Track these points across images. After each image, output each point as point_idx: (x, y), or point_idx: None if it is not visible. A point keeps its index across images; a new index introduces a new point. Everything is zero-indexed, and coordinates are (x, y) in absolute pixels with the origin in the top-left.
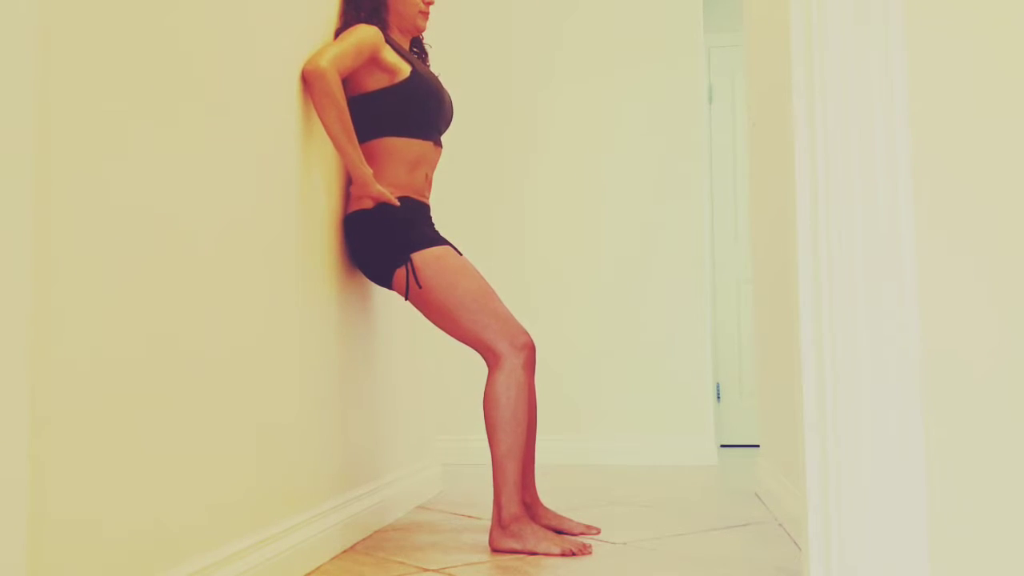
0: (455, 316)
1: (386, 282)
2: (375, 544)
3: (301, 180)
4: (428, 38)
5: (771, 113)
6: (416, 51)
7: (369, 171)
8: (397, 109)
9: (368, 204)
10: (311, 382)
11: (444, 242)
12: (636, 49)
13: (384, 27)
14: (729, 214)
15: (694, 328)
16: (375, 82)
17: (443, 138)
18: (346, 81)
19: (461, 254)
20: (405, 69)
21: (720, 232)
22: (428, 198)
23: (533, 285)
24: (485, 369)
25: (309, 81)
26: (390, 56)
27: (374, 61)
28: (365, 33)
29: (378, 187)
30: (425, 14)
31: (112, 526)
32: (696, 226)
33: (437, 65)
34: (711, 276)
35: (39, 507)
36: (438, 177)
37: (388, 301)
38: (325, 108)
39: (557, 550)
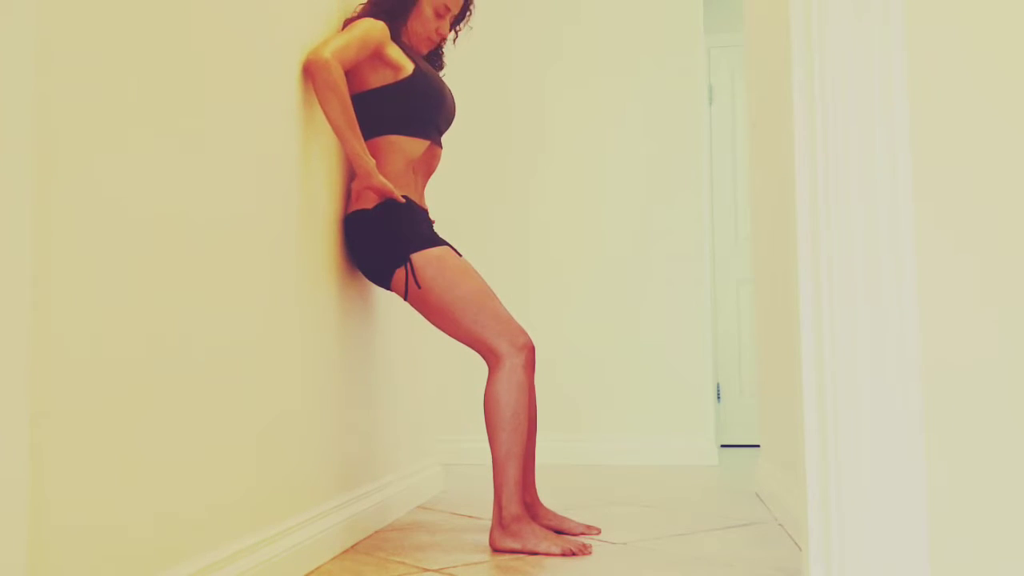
0: (455, 316)
1: (385, 282)
2: (375, 544)
3: (301, 179)
4: None
5: (771, 113)
6: (433, 61)
7: (372, 162)
8: (399, 107)
9: (368, 204)
10: (311, 382)
11: (443, 243)
12: (636, 49)
13: (398, 30)
14: (729, 214)
15: (694, 328)
16: (378, 79)
17: (444, 138)
18: (349, 77)
19: (460, 255)
20: (408, 67)
21: (720, 232)
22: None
23: (533, 285)
24: (485, 369)
25: (312, 71)
26: (394, 52)
27: (378, 56)
28: (371, 26)
29: (380, 179)
30: (435, 42)
31: (112, 525)
32: (696, 226)
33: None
34: (711, 276)
35: (39, 506)
36: (439, 177)
37: (388, 301)
38: (328, 99)
39: (557, 550)
